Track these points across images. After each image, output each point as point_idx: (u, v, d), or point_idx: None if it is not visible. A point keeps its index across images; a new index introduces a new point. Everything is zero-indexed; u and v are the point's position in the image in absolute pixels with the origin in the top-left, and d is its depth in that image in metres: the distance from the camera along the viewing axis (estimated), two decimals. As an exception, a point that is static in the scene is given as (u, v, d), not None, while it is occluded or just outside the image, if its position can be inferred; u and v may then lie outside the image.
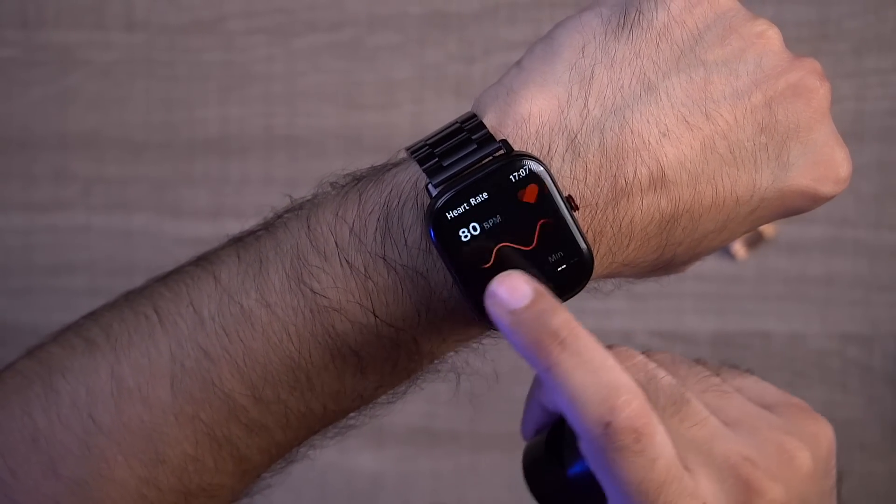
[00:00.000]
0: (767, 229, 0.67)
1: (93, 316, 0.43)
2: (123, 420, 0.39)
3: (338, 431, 0.44)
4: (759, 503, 0.36)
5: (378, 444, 0.70)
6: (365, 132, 0.68)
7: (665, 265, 0.41)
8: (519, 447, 0.70)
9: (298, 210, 0.41)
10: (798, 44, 0.67)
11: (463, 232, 0.38)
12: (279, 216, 0.42)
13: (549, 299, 0.35)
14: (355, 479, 0.70)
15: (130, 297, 0.42)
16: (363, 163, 0.44)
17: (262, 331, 0.40)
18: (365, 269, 0.39)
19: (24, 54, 0.67)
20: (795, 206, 0.41)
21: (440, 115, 0.63)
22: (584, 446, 0.35)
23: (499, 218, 0.38)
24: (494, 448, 0.70)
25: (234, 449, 0.41)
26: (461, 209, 0.38)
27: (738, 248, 0.67)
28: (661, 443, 0.34)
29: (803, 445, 0.38)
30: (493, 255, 0.38)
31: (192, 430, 0.40)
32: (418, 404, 0.70)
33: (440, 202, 0.37)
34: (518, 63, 0.40)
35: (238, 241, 0.42)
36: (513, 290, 0.35)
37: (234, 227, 0.63)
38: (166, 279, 0.42)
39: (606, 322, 0.69)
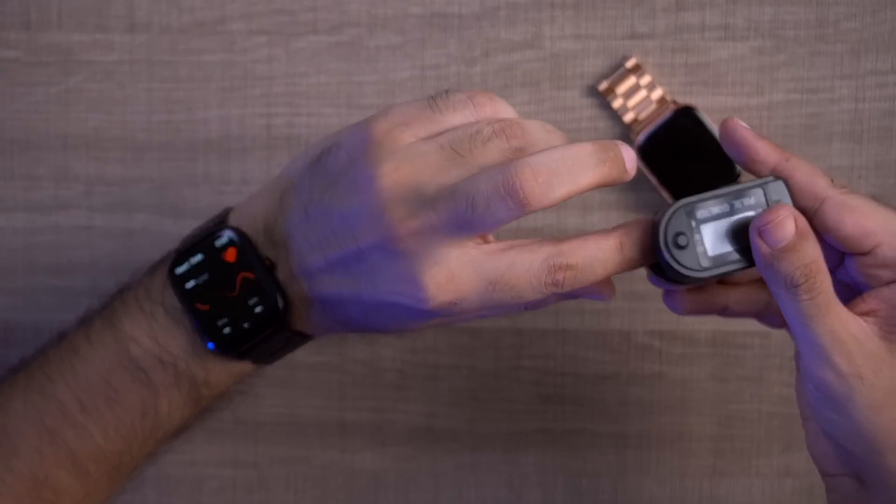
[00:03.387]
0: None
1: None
2: None
3: (149, 456, 0.60)
4: None
5: (378, 443, 0.70)
6: (365, 133, 0.68)
7: (360, 330, 0.56)
8: (518, 447, 0.70)
9: (117, 289, 0.59)
10: (796, 45, 0.67)
11: (188, 282, 0.55)
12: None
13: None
14: (356, 478, 0.70)
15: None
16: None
17: (83, 357, 0.56)
18: (151, 311, 0.55)
19: (27, 55, 0.68)
20: (399, 312, 0.53)
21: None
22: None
23: (211, 272, 0.54)
24: (494, 447, 0.70)
25: (67, 448, 0.56)
26: (185, 266, 0.55)
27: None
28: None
29: None
30: (210, 299, 0.54)
31: (37, 429, 0.56)
32: (419, 404, 0.70)
33: (172, 260, 0.55)
34: (267, 181, 0.56)
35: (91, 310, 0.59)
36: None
37: (235, 227, 0.63)
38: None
39: (606, 322, 0.69)
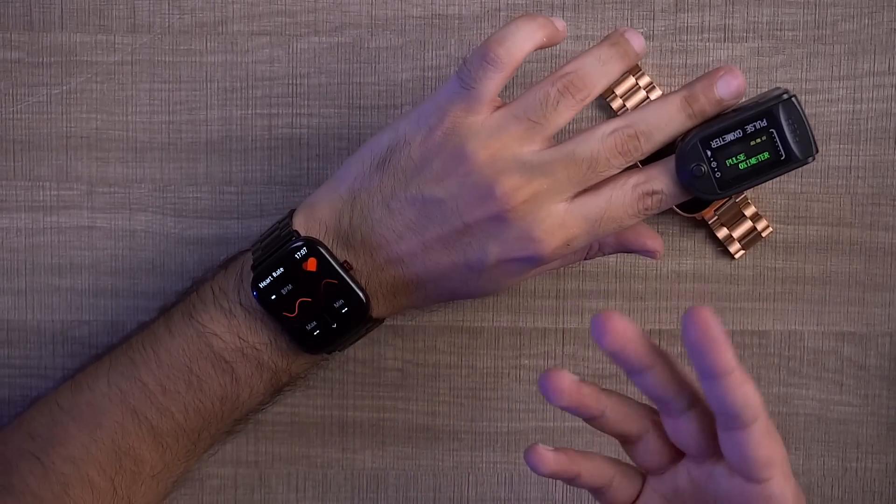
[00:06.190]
0: (767, 230, 0.68)
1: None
2: (76, 401, 0.61)
3: (227, 434, 0.65)
4: None
5: (379, 442, 0.70)
6: (366, 133, 0.68)
7: (449, 298, 0.61)
8: (517, 447, 0.70)
9: (192, 284, 0.63)
10: (794, 46, 0.67)
11: (273, 294, 0.58)
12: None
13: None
14: (356, 477, 0.70)
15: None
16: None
17: (166, 346, 0.60)
18: (230, 309, 0.60)
19: (30, 56, 0.68)
20: (514, 267, 0.58)
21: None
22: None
23: (294, 282, 0.58)
24: (494, 446, 0.70)
25: (149, 425, 0.60)
26: (268, 280, 0.58)
27: (736, 247, 0.68)
28: None
29: None
30: (296, 307, 0.58)
31: (121, 407, 0.60)
32: (419, 403, 0.70)
33: (254, 276, 0.59)
34: (327, 180, 0.61)
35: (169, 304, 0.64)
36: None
37: (236, 227, 0.64)
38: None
39: (605, 321, 0.69)
